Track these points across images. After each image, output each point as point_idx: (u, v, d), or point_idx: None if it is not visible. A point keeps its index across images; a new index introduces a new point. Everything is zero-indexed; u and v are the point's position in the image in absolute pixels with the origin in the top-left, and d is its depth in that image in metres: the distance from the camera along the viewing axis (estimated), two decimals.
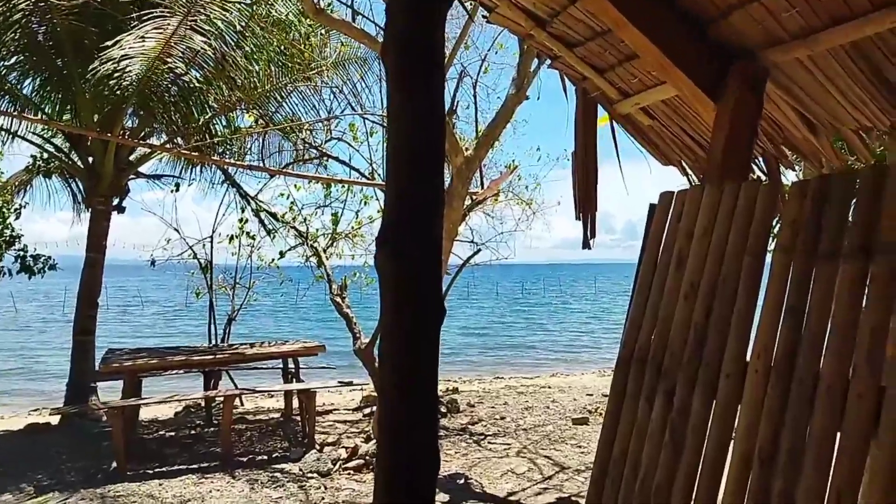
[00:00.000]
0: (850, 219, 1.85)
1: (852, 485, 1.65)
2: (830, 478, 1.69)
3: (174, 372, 7.86)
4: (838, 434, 1.71)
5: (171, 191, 9.29)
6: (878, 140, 2.73)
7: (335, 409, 8.82)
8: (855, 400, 1.68)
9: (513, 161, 10.88)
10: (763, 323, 1.94)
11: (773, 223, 2.12)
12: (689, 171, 3.47)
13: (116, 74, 7.49)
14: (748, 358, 1.97)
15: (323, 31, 8.46)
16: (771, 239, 2.07)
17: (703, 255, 2.18)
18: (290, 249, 9.64)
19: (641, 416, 2.21)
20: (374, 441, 6.25)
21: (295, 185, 9.53)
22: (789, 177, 3.48)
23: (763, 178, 3.21)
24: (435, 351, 1.73)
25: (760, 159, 3.21)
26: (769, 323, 1.91)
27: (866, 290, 1.75)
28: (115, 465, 6.09)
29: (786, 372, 1.83)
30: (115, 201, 8.85)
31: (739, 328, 2.00)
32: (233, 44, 8.13)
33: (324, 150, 9.30)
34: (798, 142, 2.96)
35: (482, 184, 9.71)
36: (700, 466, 1.99)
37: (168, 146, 8.59)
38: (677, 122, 3.27)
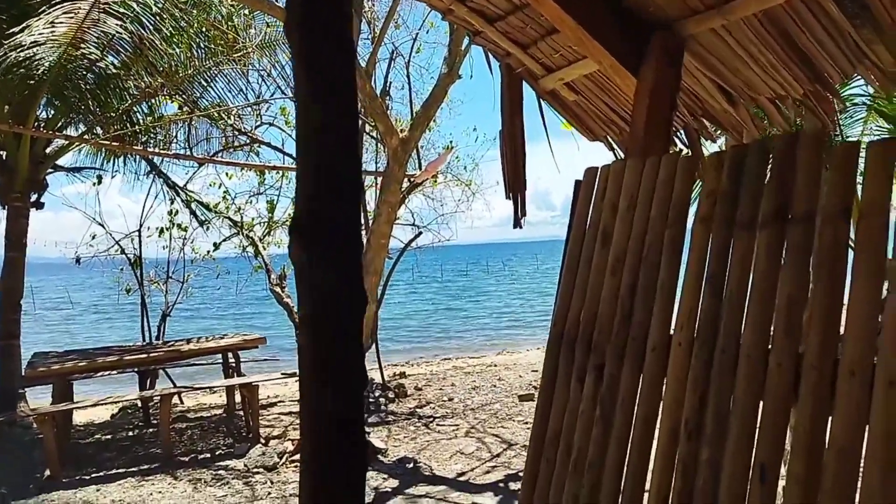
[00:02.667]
0: (766, 187, 1.86)
1: (776, 452, 1.67)
2: (755, 445, 1.71)
3: (107, 373, 7.56)
4: (761, 402, 1.73)
5: (94, 184, 8.85)
6: (792, 109, 2.79)
7: (280, 402, 8.67)
8: (775, 368, 1.70)
9: (450, 142, 10.86)
10: (685, 295, 1.94)
11: (693, 195, 2.13)
12: (615, 146, 3.49)
13: (26, 62, 7.04)
14: (672, 330, 1.98)
15: (246, 12, 8.15)
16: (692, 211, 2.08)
17: (627, 230, 2.17)
18: (224, 240, 9.38)
19: (573, 394, 2.21)
20: None
21: (226, 174, 9.25)
22: (712, 149, 3.53)
23: (685, 150, 3.25)
24: (357, 340, 1.66)
25: (682, 132, 3.24)
26: (691, 295, 1.92)
27: (783, 258, 1.76)
28: (48, 473, 5.84)
29: (708, 343, 1.84)
30: (34, 197, 8.37)
31: (663, 301, 2.01)
32: (150, 27, 7.75)
33: (255, 136, 9.04)
34: (717, 113, 3.00)
35: (420, 166, 9.65)
36: (630, 441, 2.00)
37: (86, 137, 8.16)
38: (601, 96, 3.26)
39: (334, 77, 1.57)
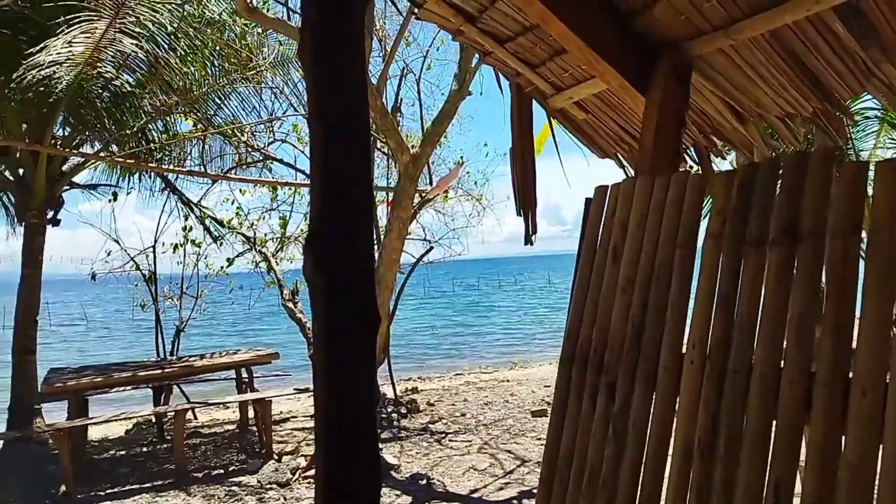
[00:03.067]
0: (776, 205, 1.87)
1: (789, 470, 1.68)
2: (769, 464, 1.71)
3: (122, 389, 7.61)
4: (774, 421, 1.73)
5: (109, 201, 8.97)
6: (802, 126, 2.80)
7: (293, 417, 8.68)
8: (787, 386, 1.70)
9: (461, 158, 10.91)
10: (696, 313, 1.95)
11: (704, 213, 2.14)
12: (625, 163, 3.51)
13: (44, 81, 7.18)
14: (684, 349, 1.98)
15: (259, 31, 8.28)
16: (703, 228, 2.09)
17: (637, 248, 2.18)
18: (238, 256, 9.45)
19: (585, 414, 2.21)
20: None
21: (240, 190, 9.34)
22: (722, 166, 3.54)
23: (695, 168, 3.26)
24: (370, 359, 1.68)
25: (692, 150, 3.26)
26: (702, 313, 1.93)
27: (794, 276, 1.77)
28: (63, 489, 5.86)
29: (720, 361, 1.85)
30: (50, 214, 8.49)
31: (674, 320, 2.01)
32: (165, 46, 7.88)
33: (267, 153, 9.13)
34: (726, 131, 3.02)
35: (431, 181, 9.70)
36: (643, 460, 2.00)
37: (102, 154, 8.28)
38: (610, 115, 3.29)
39: (347, 96, 1.60)
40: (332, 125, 1.60)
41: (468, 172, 10.74)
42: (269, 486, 5.91)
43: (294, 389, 7.60)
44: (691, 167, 3.29)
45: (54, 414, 8.09)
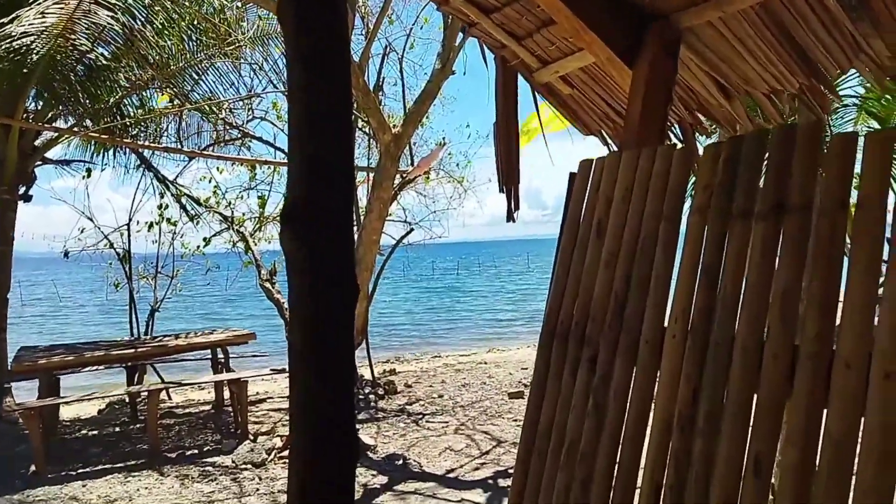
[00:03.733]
0: (762, 179, 1.85)
1: (770, 444, 1.66)
2: (749, 438, 1.70)
3: (95, 369, 7.49)
4: (755, 395, 1.71)
5: (83, 177, 8.76)
6: (787, 103, 2.78)
7: (269, 398, 8.63)
8: (770, 360, 1.68)
9: (443, 138, 10.84)
10: (679, 287, 1.92)
11: (689, 187, 2.11)
12: (610, 141, 3.47)
13: (15, 53, 6.96)
14: (666, 323, 1.96)
15: (238, 5, 8.09)
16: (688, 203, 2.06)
17: (621, 221, 2.15)
18: (214, 235, 9.32)
19: (565, 388, 2.19)
20: None
21: (217, 168, 9.19)
22: (707, 144, 3.51)
23: (680, 144, 3.24)
24: (348, 333, 1.63)
25: (677, 127, 3.23)
26: (685, 287, 1.90)
27: (779, 250, 1.75)
28: (33, 468, 5.78)
29: (702, 335, 1.82)
30: (22, 190, 8.28)
31: (657, 293, 1.99)
32: (142, 18, 7.67)
33: (246, 131, 8.97)
34: (712, 107, 2.99)
35: (412, 162, 9.62)
36: (623, 433, 1.98)
37: (76, 129, 8.07)
38: (596, 90, 3.24)
39: (328, 62, 1.54)
40: (313, 91, 1.54)
41: (450, 154, 10.68)
42: (243, 466, 5.87)
43: (271, 370, 7.54)
44: (675, 145, 3.26)
45: (25, 393, 7.94)
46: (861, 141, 1.66)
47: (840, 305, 1.61)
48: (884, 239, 1.57)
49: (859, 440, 1.49)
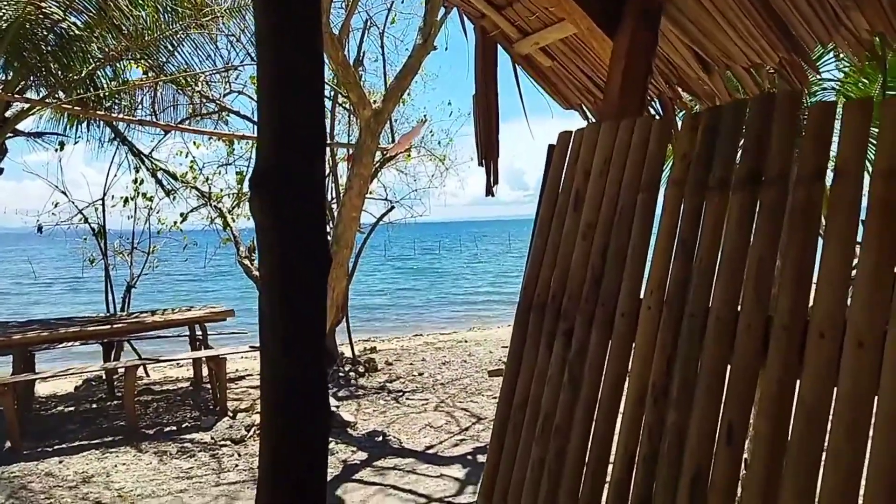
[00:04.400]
0: (739, 150, 1.83)
1: (742, 415, 1.66)
2: (722, 409, 1.70)
3: (70, 345, 7.39)
4: (728, 366, 1.71)
5: (56, 150, 8.56)
6: (767, 78, 2.77)
7: (248, 375, 8.58)
8: (744, 331, 1.68)
9: (424, 116, 10.74)
10: (656, 259, 1.91)
11: (667, 161, 2.09)
12: (590, 115, 3.44)
13: None
14: (642, 295, 1.95)
15: None
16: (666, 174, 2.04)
17: (599, 193, 2.13)
18: (192, 211, 9.18)
19: (541, 361, 2.18)
20: None
21: (194, 143, 9.02)
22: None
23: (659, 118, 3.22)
24: (320, 302, 1.60)
25: (656, 101, 3.21)
26: (662, 258, 1.89)
27: (755, 221, 1.74)
28: (8, 444, 5.71)
29: (678, 306, 1.82)
30: None
31: (634, 266, 1.98)
32: None
33: (223, 104, 8.81)
34: (692, 81, 2.97)
35: (393, 139, 9.53)
36: (597, 406, 1.98)
37: (48, 101, 7.86)
38: (577, 62, 3.21)
39: (299, 17, 1.49)
40: (282, 51, 1.49)
41: (431, 132, 10.59)
42: (222, 442, 5.85)
43: (249, 347, 7.49)
44: (654, 116, 3.24)
45: None
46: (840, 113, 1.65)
47: (815, 275, 1.61)
48: (859, 209, 1.57)
49: (832, 409, 1.50)
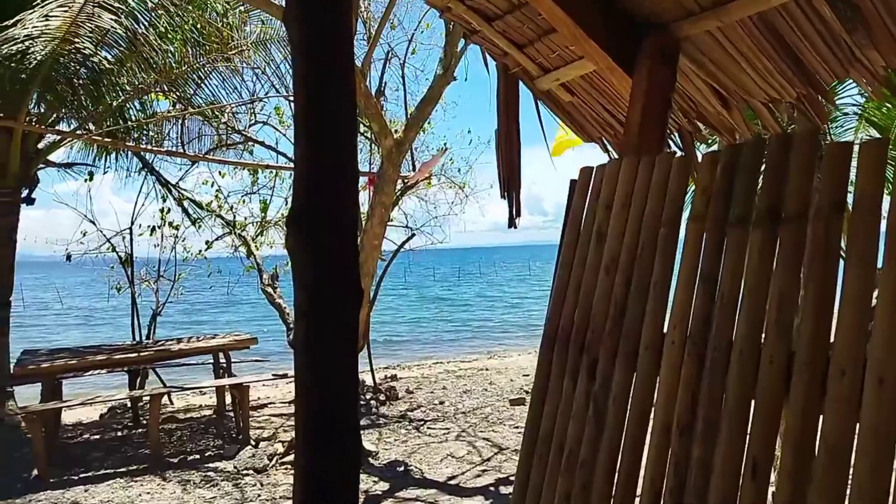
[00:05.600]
0: (759, 187, 1.87)
1: (767, 449, 1.68)
2: (747, 443, 1.71)
3: (97, 373, 7.50)
4: (752, 401, 1.73)
5: (85, 180, 8.79)
6: (785, 112, 2.80)
7: (270, 403, 8.63)
8: (767, 365, 1.70)
9: (444, 144, 10.87)
10: (678, 293, 1.94)
11: (687, 194, 2.13)
12: (610, 148, 3.50)
13: (18, 56, 7.00)
14: (665, 329, 1.98)
15: (241, 9, 8.14)
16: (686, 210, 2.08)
17: (621, 229, 2.17)
18: (217, 239, 9.34)
19: (566, 394, 2.20)
20: None
21: (219, 172, 9.21)
22: (705, 152, 3.54)
23: (679, 153, 3.26)
24: (353, 335, 1.65)
25: (676, 135, 3.26)
26: (684, 293, 1.92)
27: (775, 257, 1.77)
28: (35, 472, 5.78)
29: (701, 340, 1.85)
30: (24, 193, 8.31)
31: (657, 299, 2.01)
32: (146, 22, 7.72)
33: (248, 135, 9.01)
34: (711, 116, 3.02)
35: (414, 167, 9.65)
36: (623, 439, 1.99)
37: (78, 132, 8.10)
38: (597, 97, 3.27)
39: (334, 65, 1.56)
40: (317, 95, 1.56)
41: (451, 159, 10.71)
42: (245, 471, 5.87)
43: (272, 375, 7.55)
44: (675, 152, 3.28)
45: (27, 397, 7.96)
46: (857, 150, 1.69)
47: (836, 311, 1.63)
48: (878, 245, 1.59)
49: (854, 445, 1.51)
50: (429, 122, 9.39)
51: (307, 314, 1.52)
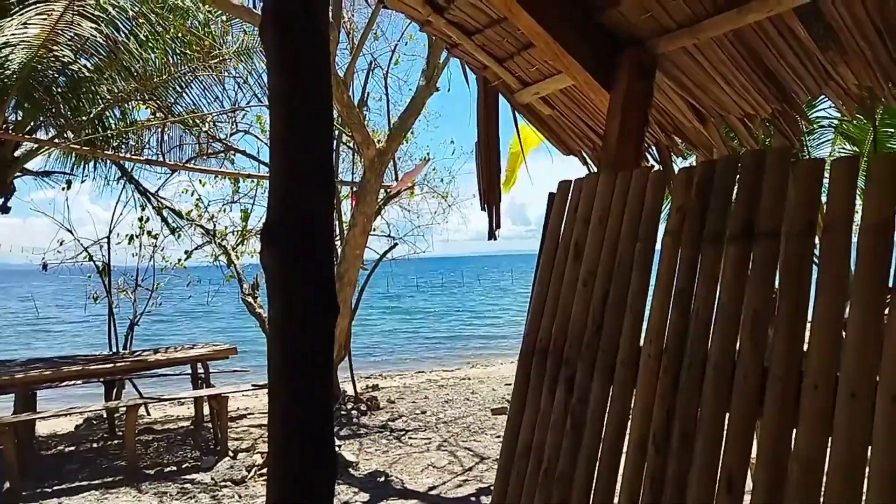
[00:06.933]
0: (733, 203, 1.89)
1: (741, 464, 1.69)
2: (721, 458, 1.73)
3: (72, 383, 7.38)
4: (727, 415, 1.74)
5: (63, 189, 8.68)
6: (761, 128, 2.85)
7: (249, 413, 8.54)
8: (741, 380, 1.72)
9: (427, 154, 10.90)
10: (654, 308, 1.96)
11: (665, 209, 2.15)
12: (589, 161, 3.53)
13: None
14: (642, 343, 1.99)
15: (223, 18, 8.11)
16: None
17: (599, 243, 2.19)
18: (196, 249, 9.25)
19: (544, 407, 2.21)
20: None
21: (200, 181, 9.14)
22: (682, 166, 3.58)
23: (657, 167, 3.30)
24: (328, 350, 1.64)
25: (654, 148, 3.30)
26: (660, 308, 1.94)
27: (749, 273, 1.79)
28: (8, 485, 5.66)
29: (676, 355, 1.86)
30: (0, 201, 8.18)
31: (633, 314, 2.02)
32: (126, 30, 7.66)
33: (229, 144, 8.96)
34: (688, 131, 3.06)
35: (397, 178, 9.65)
36: (599, 453, 2.00)
37: (56, 140, 8.01)
38: (576, 111, 3.30)
39: (310, 77, 1.55)
40: (293, 107, 1.56)
41: (434, 169, 10.73)
42: (223, 483, 5.80)
43: (252, 385, 7.47)
44: (653, 166, 3.32)
45: (0, 408, 7.81)
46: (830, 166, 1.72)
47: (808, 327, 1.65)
48: (849, 261, 1.62)
49: (827, 459, 1.52)
50: (412, 132, 9.42)
51: (280, 332, 1.51)
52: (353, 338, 8.85)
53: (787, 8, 2.14)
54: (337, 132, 9.41)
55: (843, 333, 1.58)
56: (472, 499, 5.37)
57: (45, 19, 7.11)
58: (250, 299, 8.77)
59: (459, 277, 66.15)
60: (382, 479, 5.90)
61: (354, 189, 7.70)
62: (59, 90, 7.83)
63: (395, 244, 10.01)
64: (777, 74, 2.57)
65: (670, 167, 3.25)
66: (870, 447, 1.45)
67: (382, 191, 8.23)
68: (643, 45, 2.51)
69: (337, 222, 9.27)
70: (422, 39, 9.15)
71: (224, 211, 9.56)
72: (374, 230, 9.39)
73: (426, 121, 10.99)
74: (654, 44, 2.50)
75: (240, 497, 5.48)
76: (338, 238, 9.07)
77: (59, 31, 7.18)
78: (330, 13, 6.89)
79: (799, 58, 2.45)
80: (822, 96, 2.72)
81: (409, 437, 7.24)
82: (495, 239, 3.35)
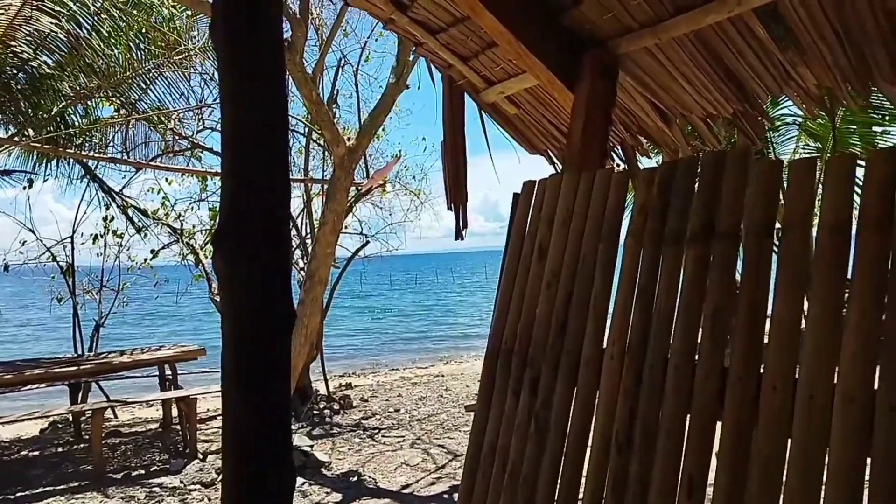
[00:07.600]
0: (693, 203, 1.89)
1: (702, 465, 1.70)
2: (683, 459, 1.73)
3: (36, 387, 7.20)
4: (688, 416, 1.75)
5: (24, 188, 8.44)
6: (724, 127, 2.87)
7: (219, 415, 8.41)
8: (701, 381, 1.73)
9: (398, 151, 10.84)
10: (617, 309, 1.96)
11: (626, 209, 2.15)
12: (556, 160, 3.53)
13: None
14: (605, 344, 1.99)
15: (188, 14, 7.96)
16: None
17: (562, 243, 2.18)
18: (163, 248, 9.07)
19: (509, 407, 2.20)
20: None
21: (166, 179, 8.97)
22: (648, 165, 3.61)
23: (622, 166, 3.31)
24: (284, 359, 1.60)
25: (619, 148, 3.31)
26: (622, 308, 1.94)
27: (709, 273, 1.79)
28: None
29: (639, 356, 1.86)
30: None
31: (596, 315, 2.02)
32: (88, 26, 7.46)
33: (196, 141, 8.80)
34: (651, 130, 3.07)
35: (367, 175, 9.59)
36: (563, 455, 1.99)
37: (16, 139, 7.78)
38: (541, 110, 3.30)
39: (262, 77, 1.51)
40: (245, 108, 1.51)
41: (406, 166, 10.68)
42: (192, 486, 5.71)
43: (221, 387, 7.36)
44: (618, 165, 3.34)
45: None
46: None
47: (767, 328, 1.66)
48: (808, 260, 1.63)
49: (786, 459, 1.54)
50: (383, 129, 9.34)
51: (234, 341, 1.47)
52: (326, 337, 8.77)
53: (747, 8, 2.16)
54: (306, 130, 9.29)
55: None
56: (445, 496, 5.36)
57: (1, 14, 6.90)
58: (219, 299, 8.65)
59: (433, 274, 66.16)
60: (355, 478, 5.87)
61: (324, 187, 7.61)
62: (19, 87, 7.61)
63: (367, 242, 9.94)
64: (738, 74, 2.59)
65: (635, 167, 3.26)
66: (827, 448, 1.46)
67: (353, 188, 8.16)
68: (605, 45, 2.51)
69: (308, 220, 9.17)
70: (392, 37, 9.08)
71: (192, 209, 9.40)
72: (346, 228, 9.31)
73: (397, 118, 10.93)
74: (616, 44, 2.50)
75: (209, 500, 5.40)
76: (308, 236, 8.98)
77: (17, 27, 6.97)
78: (298, 9, 6.80)
79: (759, 58, 2.47)
80: (784, 96, 2.75)
81: (383, 436, 7.21)
82: (462, 239, 3.34)
